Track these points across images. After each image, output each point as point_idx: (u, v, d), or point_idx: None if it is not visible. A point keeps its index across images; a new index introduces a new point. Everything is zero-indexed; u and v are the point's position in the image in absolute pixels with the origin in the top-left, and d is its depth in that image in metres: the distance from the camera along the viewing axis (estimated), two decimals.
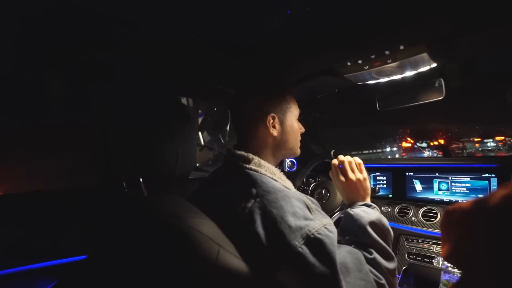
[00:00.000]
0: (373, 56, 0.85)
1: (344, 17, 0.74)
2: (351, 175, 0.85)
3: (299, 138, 0.82)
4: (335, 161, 0.89)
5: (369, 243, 0.70)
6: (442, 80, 0.97)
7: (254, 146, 0.76)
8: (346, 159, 0.88)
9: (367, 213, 0.75)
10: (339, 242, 0.75)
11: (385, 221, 0.76)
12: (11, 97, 0.94)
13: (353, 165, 0.87)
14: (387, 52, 0.83)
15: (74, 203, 0.98)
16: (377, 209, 0.81)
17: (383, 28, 0.77)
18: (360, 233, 0.71)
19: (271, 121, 0.75)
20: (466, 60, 1.02)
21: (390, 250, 0.70)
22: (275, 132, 0.75)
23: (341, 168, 0.87)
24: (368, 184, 0.87)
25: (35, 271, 0.85)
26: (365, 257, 0.65)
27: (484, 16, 0.70)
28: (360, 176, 0.85)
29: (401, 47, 0.80)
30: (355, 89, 1.29)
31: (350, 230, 0.74)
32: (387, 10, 0.71)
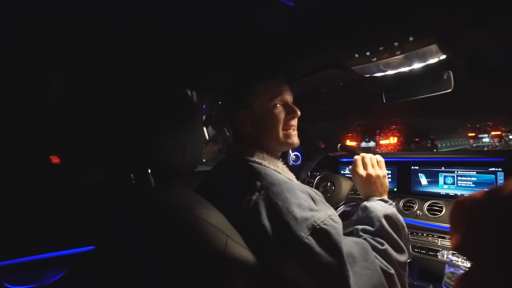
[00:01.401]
0: (381, 48, 0.84)
1: (353, 8, 0.73)
2: (371, 170, 0.87)
3: (280, 125, 0.76)
4: (357, 157, 0.91)
5: (382, 235, 0.71)
6: (450, 72, 0.95)
7: (246, 140, 0.77)
8: (368, 155, 0.90)
9: (383, 206, 0.77)
10: (348, 234, 0.76)
11: (400, 217, 0.77)
12: (11, 98, 0.95)
13: (374, 161, 0.89)
14: (395, 44, 0.82)
15: (82, 196, 0.99)
16: (393, 205, 0.82)
17: (392, 19, 0.76)
18: (375, 224, 0.73)
19: (237, 119, 0.76)
20: (475, 52, 1.01)
21: (402, 244, 0.71)
22: (247, 129, 0.76)
23: (363, 162, 0.89)
24: (387, 182, 0.88)
25: (45, 261, 0.87)
26: (376, 248, 0.67)
27: (496, 7, 0.68)
28: (379, 172, 0.87)
29: (410, 39, 0.79)
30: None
31: (365, 222, 0.76)
32: (397, 3, 0.69)
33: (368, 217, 0.75)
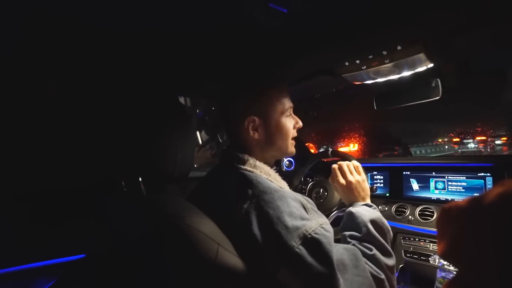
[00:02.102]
0: (370, 56, 0.86)
1: (342, 16, 0.74)
2: (350, 177, 0.89)
3: (290, 136, 0.78)
4: (334, 166, 0.94)
5: (369, 240, 0.72)
6: (438, 80, 0.98)
7: (243, 147, 0.75)
8: (344, 163, 0.93)
9: (368, 211, 0.78)
10: (339, 240, 0.76)
11: (384, 220, 0.78)
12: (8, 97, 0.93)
13: (351, 168, 0.92)
14: (384, 52, 0.83)
15: (73, 203, 0.98)
16: (377, 209, 0.83)
17: (380, 28, 0.78)
18: (361, 230, 0.74)
19: (251, 124, 0.73)
20: (462, 60, 1.03)
21: (389, 247, 0.73)
22: (256, 135, 0.74)
23: (341, 171, 0.92)
24: (367, 185, 0.90)
25: (33, 270, 0.85)
26: (365, 254, 0.67)
27: (481, 14, 0.71)
28: (358, 177, 0.89)
29: (399, 47, 0.80)
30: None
31: (351, 228, 0.76)
32: (384, 10, 0.71)
33: (354, 223, 0.76)
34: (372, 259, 0.67)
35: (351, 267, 0.61)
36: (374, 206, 0.84)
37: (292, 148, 0.80)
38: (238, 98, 0.75)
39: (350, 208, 0.81)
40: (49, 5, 0.65)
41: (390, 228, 0.78)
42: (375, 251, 0.69)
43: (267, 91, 0.74)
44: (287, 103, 0.76)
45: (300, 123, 0.80)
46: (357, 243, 0.71)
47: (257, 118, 0.73)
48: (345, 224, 0.79)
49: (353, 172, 0.91)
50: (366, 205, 0.83)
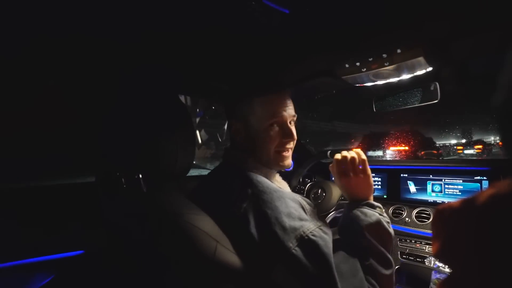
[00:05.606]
0: (370, 59, 0.87)
1: (343, 19, 0.75)
2: (356, 170, 0.76)
3: (272, 147, 0.72)
4: (337, 156, 0.79)
5: (365, 247, 0.66)
6: (437, 83, 0.99)
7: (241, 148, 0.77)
8: (349, 154, 0.78)
9: (366, 215, 0.70)
10: (337, 241, 0.73)
11: (385, 223, 0.71)
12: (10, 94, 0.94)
13: (357, 161, 0.77)
14: (384, 55, 0.84)
15: (73, 199, 0.98)
16: (380, 208, 0.74)
17: (381, 32, 0.78)
18: (357, 236, 0.68)
19: (232, 127, 0.75)
20: (461, 64, 1.04)
21: (387, 254, 0.66)
22: (240, 139, 0.75)
23: (345, 162, 0.77)
24: (372, 181, 0.77)
25: (31, 265, 0.86)
26: (361, 263, 0.63)
27: (482, 20, 0.71)
28: (363, 172, 0.77)
29: (398, 51, 0.81)
30: None
31: (348, 232, 0.71)
32: (385, 14, 0.72)
33: (351, 228, 0.70)
34: (368, 269, 0.63)
35: (349, 276, 0.59)
36: (377, 204, 0.74)
37: (280, 160, 0.73)
38: (226, 102, 0.78)
39: (347, 211, 0.74)
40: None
41: (391, 231, 0.71)
42: (371, 261, 0.64)
43: (247, 97, 0.71)
44: (273, 113, 0.70)
45: (292, 137, 0.72)
46: (353, 251, 0.66)
47: (239, 123, 0.73)
48: (342, 227, 0.74)
49: (359, 164, 0.77)
50: (367, 204, 0.73)
